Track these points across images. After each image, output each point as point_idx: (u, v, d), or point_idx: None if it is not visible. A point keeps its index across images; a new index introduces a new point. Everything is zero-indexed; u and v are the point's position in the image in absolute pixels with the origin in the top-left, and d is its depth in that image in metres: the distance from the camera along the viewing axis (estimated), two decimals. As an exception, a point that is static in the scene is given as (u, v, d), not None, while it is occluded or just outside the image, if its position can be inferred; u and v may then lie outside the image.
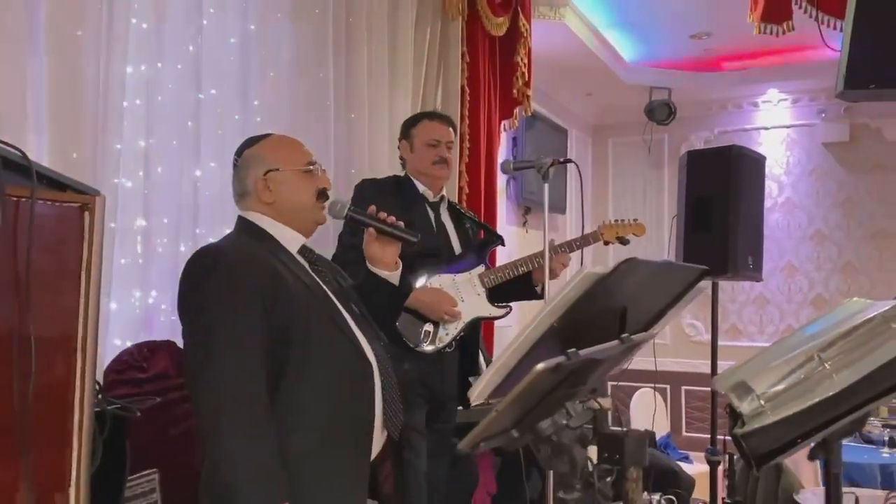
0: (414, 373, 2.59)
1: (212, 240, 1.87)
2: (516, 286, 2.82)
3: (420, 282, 2.71)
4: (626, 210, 6.84)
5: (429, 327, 2.68)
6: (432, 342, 2.68)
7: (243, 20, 2.89)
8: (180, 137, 2.63)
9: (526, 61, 4.32)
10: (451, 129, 2.87)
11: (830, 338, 1.38)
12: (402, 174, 2.88)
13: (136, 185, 2.48)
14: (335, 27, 3.24)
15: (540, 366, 1.03)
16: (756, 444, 1.25)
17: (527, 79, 4.35)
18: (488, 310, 2.78)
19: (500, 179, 4.62)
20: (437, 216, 2.84)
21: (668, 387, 6.44)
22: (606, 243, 2.88)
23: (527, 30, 4.33)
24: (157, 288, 2.55)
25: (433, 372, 2.70)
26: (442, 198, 2.86)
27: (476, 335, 2.87)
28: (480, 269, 2.80)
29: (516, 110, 4.43)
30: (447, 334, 2.70)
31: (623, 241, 2.87)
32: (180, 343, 2.43)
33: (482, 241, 2.95)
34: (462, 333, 2.74)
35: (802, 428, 1.24)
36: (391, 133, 3.56)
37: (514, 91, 4.34)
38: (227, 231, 1.90)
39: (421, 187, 2.81)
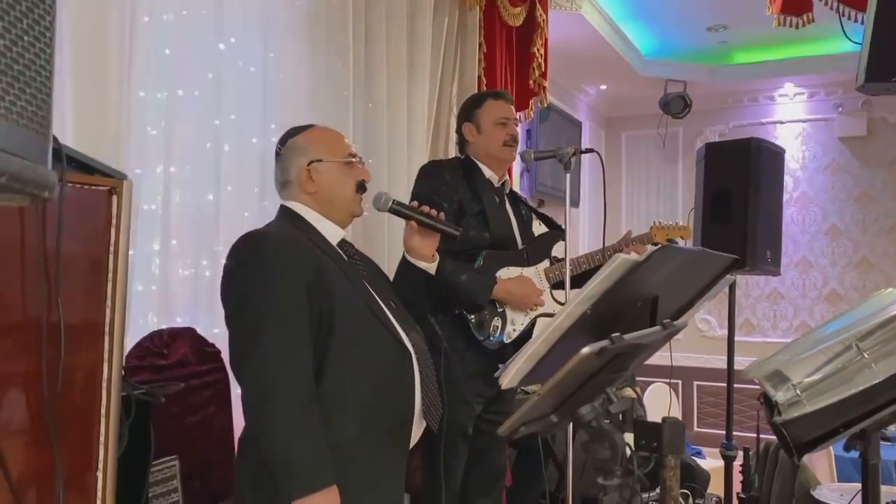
0: (475, 367, 2.50)
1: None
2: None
3: (499, 275, 2.58)
4: (639, 204, 6.82)
5: (497, 322, 2.55)
6: (500, 337, 2.56)
7: (263, 15, 2.87)
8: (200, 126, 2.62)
9: (543, 52, 4.29)
10: (513, 107, 2.78)
11: (868, 327, 1.36)
12: (461, 157, 2.76)
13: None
14: (355, 15, 3.21)
15: (585, 349, 1.01)
16: (798, 432, 1.23)
17: (543, 70, 4.32)
18: (552, 306, 2.67)
19: (515, 171, 4.60)
20: (503, 203, 2.73)
21: (680, 382, 6.43)
22: (655, 244, 2.82)
23: (544, 20, 4.30)
24: (175, 273, 2.54)
25: (493, 367, 2.53)
26: (504, 183, 2.76)
27: (531, 330, 2.69)
28: (545, 263, 2.70)
29: (532, 101, 4.39)
30: (515, 330, 2.59)
31: (672, 243, 2.81)
32: (200, 330, 2.46)
33: (547, 235, 2.81)
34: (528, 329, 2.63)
35: (843, 417, 1.22)
36: (410, 122, 3.53)
37: (531, 82, 4.30)
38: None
39: (487, 172, 2.69)
